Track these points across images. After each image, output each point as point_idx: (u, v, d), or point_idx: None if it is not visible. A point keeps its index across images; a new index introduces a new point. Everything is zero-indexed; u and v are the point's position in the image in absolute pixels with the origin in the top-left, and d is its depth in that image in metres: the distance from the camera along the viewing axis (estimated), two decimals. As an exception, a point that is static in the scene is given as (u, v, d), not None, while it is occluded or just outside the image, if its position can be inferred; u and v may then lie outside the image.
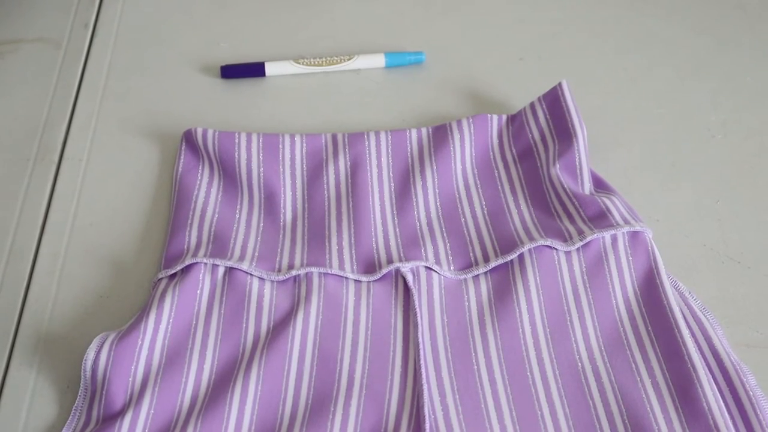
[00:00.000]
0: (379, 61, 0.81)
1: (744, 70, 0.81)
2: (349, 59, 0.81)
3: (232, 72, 0.80)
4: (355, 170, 0.71)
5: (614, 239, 0.65)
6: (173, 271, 0.65)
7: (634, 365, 0.60)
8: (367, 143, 0.72)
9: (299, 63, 0.80)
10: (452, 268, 0.65)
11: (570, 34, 0.84)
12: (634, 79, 0.80)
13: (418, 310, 0.63)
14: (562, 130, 0.71)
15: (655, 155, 0.75)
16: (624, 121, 0.77)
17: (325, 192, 0.70)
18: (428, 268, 0.65)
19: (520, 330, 0.62)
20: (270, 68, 0.80)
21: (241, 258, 0.65)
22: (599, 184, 0.70)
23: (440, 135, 0.73)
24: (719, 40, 0.83)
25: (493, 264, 0.64)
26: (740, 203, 0.72)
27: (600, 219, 0.66)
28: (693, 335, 0.61)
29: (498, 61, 0.82)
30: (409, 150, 0.73)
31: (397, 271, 0.65)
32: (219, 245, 0.66)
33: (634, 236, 0.65)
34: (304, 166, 0.72)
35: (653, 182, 0.73)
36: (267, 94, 0.80)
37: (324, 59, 0.80)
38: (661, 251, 0.65)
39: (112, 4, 0.87)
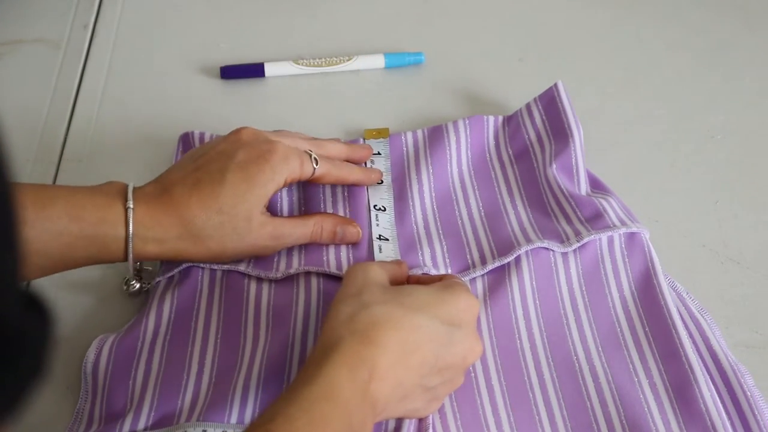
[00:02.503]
0: (378, 61, 0.81)
1: (744, 70, 0.81)
2: (348, 60, 0.80)
3: (231, 73, 0.80)
4: (352, 172, 0.71)
5: (611, 240, 0.65)
6: (172, 273, 0.65)
7: (631, 366, 0.60)
8: (363, 146, 0.73)
9: (299, 64, 0.80)
10: (449, 271, 0.65)
11: (569, 34, 0.84)
12: (633, 80, 0.80)
13: (416, 311, 0.62)
14: (559, 131, 0.71)
15: (654, 155, 0.75)
16: (623, 121, 0.77)
17: (322, 194, 0.70)
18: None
19: (517, 333, 0.62)
20: (269, 69, 0.80)
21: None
22: (596, 185, 0.70)
23: (436, 137, 0.72)
24: (719, 40, 0.83)
25: (490, 266, 0.64)
26: (740, 204, 0.71)
27: (596, 219, 0.66)
28: (691, 336, 0.61)
29: (497, 62, 0.82)
30: (405, 152, 0.72)
31: (396, 272, 0.65)
32: (218, 246, 0.66)
33: (631, 237, 0.65)
34: (303, 168, 0.72)
35: (652, 183, 0.73)
36: (266, 94, 0.80)
37: (323, 60, 0.80)
38: (659, 252, 0.65)
39: (112, 4, 0.87)
